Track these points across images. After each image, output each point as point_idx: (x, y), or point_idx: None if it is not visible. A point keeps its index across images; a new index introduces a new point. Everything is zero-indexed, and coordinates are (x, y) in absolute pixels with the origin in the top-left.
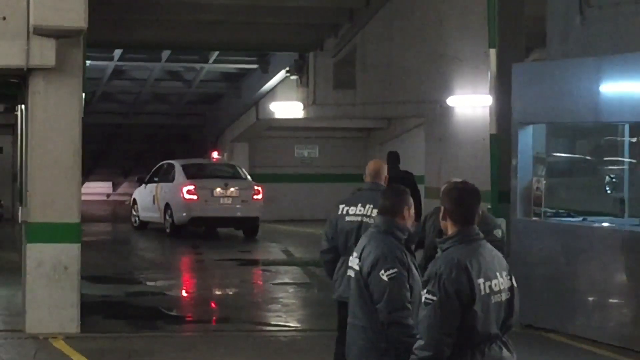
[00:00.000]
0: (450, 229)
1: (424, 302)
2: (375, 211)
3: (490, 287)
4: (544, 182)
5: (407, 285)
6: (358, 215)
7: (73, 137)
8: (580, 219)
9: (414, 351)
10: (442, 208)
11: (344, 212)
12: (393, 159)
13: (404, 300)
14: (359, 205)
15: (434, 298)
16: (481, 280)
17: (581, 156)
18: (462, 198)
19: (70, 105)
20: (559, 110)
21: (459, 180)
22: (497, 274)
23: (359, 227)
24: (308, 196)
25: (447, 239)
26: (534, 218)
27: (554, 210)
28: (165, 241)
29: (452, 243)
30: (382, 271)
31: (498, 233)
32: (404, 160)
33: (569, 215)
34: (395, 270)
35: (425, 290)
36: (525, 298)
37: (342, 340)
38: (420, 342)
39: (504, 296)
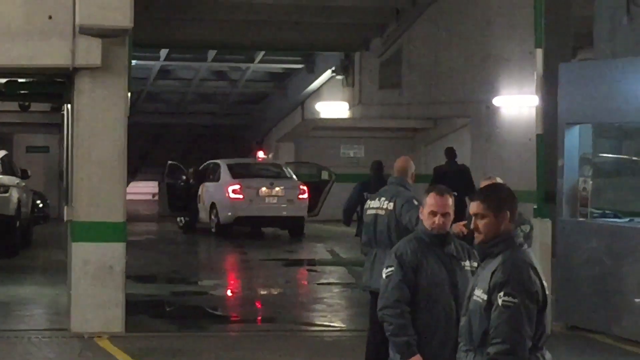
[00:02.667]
0: (502, 229)
1: (503, 305)
2: (388, 204)
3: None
4: (590, 182)
5: (402, 285)
6: (374, 208)
7: (118, 136)
8: (627, 219)
9: (496, 357)
10: (509, 209)
11: (367, 206)
12: (450, 154)
13: (392, 299)
14: (377, 199)
15: (515, 300)
16: (544, 283)
17: (628, 157)
18: (515, 198)
19: (115, 105)
20: (606, 111)
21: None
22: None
23: (375, 219)
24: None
25: (505, 239)
26: (580, 219)
27: (601, 211)
28: (210, 241)
29: (510, 244)
30: (384, 269)
31: (526, 228)
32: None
33: (615, 216)
34: (392, 269)
35: (502, 293)
36: (571, 299)
37: (374, 335)
38: (503, 347)
39: None
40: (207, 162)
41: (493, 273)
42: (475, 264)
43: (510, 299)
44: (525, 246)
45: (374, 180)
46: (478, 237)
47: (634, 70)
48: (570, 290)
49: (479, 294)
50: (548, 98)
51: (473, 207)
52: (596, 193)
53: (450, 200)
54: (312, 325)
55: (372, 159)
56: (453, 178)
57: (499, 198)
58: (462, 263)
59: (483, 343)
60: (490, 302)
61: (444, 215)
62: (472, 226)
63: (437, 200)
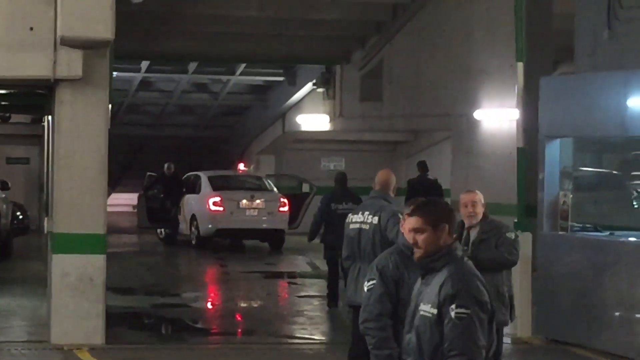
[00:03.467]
0: (441, 243)
1: (456, 317)
2: (372, 218)
3: None
4: (571, 196)
5: (384, 298)
6: (357, 222)
7: (99, 148)
8: (607, 233)
9: None
10: (447, 223)
11: (349, 220)
12: (422, 167)
13: (374, 312)
14: (360, 212)
15: (468, 311)
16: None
17: (608, 170)
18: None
19: (96, 117)
20: (587, 124)
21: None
22: None
23: (359, 234)
24: None
25: (446, 253)
26: (561, 232)
27: (581, 225)
28: (190, 253)
29: (452, 257)
30: (365, 282)
31: (511, 235)
32: (431, 173)
33: (595, 230)
34: (373, 282)
35: (454, 305)
36: (551, 312)
37: (355, 348)
38: (461, 359)
39: None
40: (188, 173)
41: (441, 286)
42: None
43: (463, 310)
44: (466, 258)
45: (339, 192)
46: (418, 252)
47: (614, 84)
48: (550, 304)
49: (427, 309)
50: (529, 111)
51: (412, 222)
52: (576, 207)
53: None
54: (293, 338)
55: (353, 171)
56: (425, 190)
57: (437, 212)
58: None
59: (434, 358)
60: (440, 316)
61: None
62: (411, 241)
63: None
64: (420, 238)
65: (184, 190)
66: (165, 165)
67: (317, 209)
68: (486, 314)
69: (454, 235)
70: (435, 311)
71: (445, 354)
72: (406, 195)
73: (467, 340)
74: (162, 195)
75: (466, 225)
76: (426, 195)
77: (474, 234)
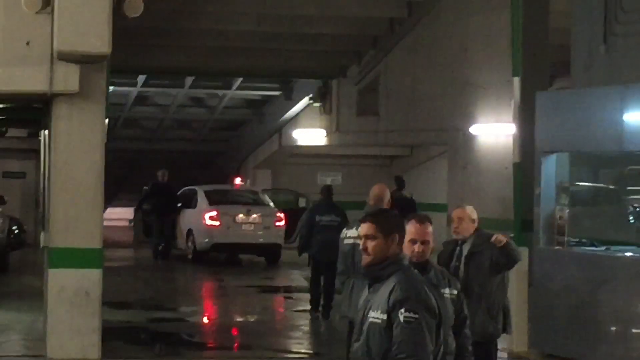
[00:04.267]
0: (390, 252)
1: (405, 320)
2: None
3: None
4: (567, 211)
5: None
6: (351, 237)
7: (96, 162)
8: (603, 248)
9: None
10: (398, 233)
11: (344, 236)
12: (399, 182)
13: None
14: (354, 227)
15: (416, 316)
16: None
17: (604, 185)
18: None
19: (93, 131)
20: (583, 139)
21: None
22: None
23: (353, 249)
24: None
25: (394, 262)
26: (557, 247)
27: (577, 240)
28: (187, 267)
29: (395, 268)
30: None
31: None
32: (427, 187)
33: (591, 245)
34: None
35: (403, 310)
36: (547, 326)
37: None
38: None
39: None
40: (184, 188)
41: (391, 292)
42: (455, 292)
43: (411, 314)
44: (412, 267)
45: (324, 204)
46: (366, 259)
47: (611, 99)
48: (547, 318)
49: (377, 315)
50: (525, 126)
51: (364, 228)
52: (573, 221)
53: (430, 228)
54: (289, 352)
55: (349, 186)
56: (399, 205)
57: (390, 222)
58: (442, 290)
59: None
60: (390, 321)
61: (424, 243)
62: (361, 247)
63: (417, 229)
64: (371, 245)
65: (179, 204)
66: (160, 172)
67: (302, 222)
68: (434, 319)
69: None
70: (384, 317)
71: (393, 357)
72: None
73: (415, 343)
74: (151, 206)
75: (459, 241)
76: (400, 210)
77: (466, 249)
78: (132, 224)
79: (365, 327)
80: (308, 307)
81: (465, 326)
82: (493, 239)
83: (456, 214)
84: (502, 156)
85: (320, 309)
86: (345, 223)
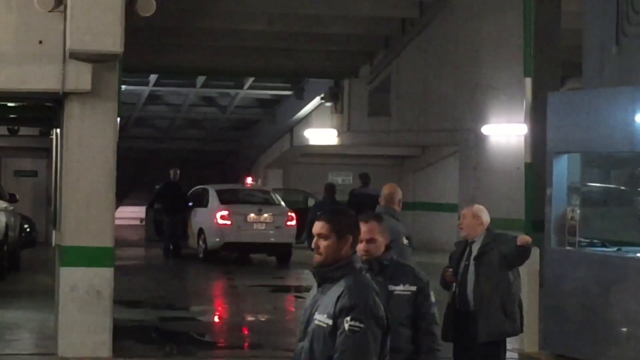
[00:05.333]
0: (342, 253)
1: (350, 329)
2: None
3: None
4: (579, 211)
5: None
6: None
7: (107, 161)
8: (615, 249)
9: None
10: (352, 235)
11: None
12: (364, 179)
13: None
14: None
15: (362, 325)
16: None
17: (616, 186)
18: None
19: (105, 130)
20: (594, 140)
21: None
22: None
23: None
24: None
25: (346, 264)
26: (568, 247)
27: (588, 240)
28: (198, 266)
29: (346, 271)
30: None
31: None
32: (438, 187)
33: (603, 245)
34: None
35: (349, 318)
36: (558, 327)
37: None
38: None
39: None
40: (196, 187)
41: (339, 298)
42: (414, 288)
43: (357, 323)
44: (364, 271)
45: (327, 202)
46: (317, 258)
47: (622, 99)
48: (558, 319)
49: (323, 319)
50: (536, 127)
51: (317, 226)
52: (584, 222)
53: (378, 226)
54: None
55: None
56: (366, 201)
57: (344, 222)
58: (393, 287)
59: None
60: (335, 327)
61: (369, 241)
62: (313, 245)
63: (362, 227)
64: (323, 244)
65: (190, 203)
66: (171, 171)
67: (308, 219)
68: (381, 329)
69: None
70: (330, 322)
71: None
72: (346, 204)
73: (358, 353)
74: (162, 205)
75: (469, 241)
76: (358, 207)
77: (475, 248)
78: (144, 222)
79: (310, 329)
80: None
81: (426, 322)
82: (520, 241)
83: (463, 211)
84: (513, 157)
85: None
86: None
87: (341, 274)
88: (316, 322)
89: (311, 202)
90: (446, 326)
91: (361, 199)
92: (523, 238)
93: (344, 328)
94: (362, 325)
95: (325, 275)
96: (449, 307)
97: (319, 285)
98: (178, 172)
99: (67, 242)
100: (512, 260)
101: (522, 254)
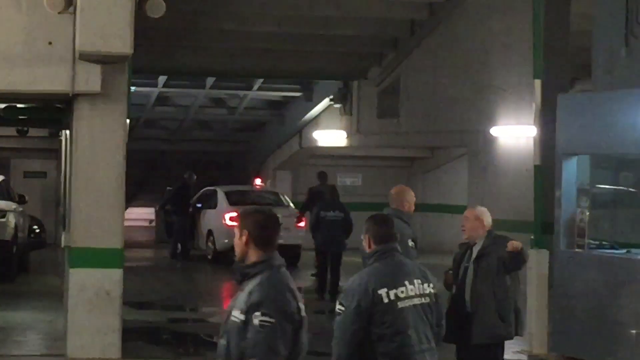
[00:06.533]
0: (250, 249)
1: (259, 324)
2: None
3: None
4: (588, 213)
5: None
6: None
7: (117, 162)
8: (624, 251)
9: None
10: (248, 231)
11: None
12: (322, 177)
13: None
14: None
15: (272, 320)
16: (301, 304)
17: (625, 188)
18: (266, 223)
19: (114, 131)
20: (604, 142)
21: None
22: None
23: None
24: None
25: (263, 261)
26: (577, 250)
27: (598, 242)
28: (207, 268)
29: (262, 268)
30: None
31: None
32: (447, 189)
33: (612, 247)
34: None
35: (259, 313)
36: (567, 329)
37: None
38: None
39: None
40: (204, 188)
41: (250, 293)
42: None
43: (266, 318)
44: (284, 268)
45: (329, 201)
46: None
47: (631, 101)
48: (567, 321)
49: (237, 315)
50: (546, 128)
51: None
52: (593, 224)
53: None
54: (309, 354)
55: (369, 187)
56: (323, 198)
57: (244, 219)
58: None
59: None
60: (246, 322)
61: None
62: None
63: None
64: (234, 240)
65: (199, 205)
66: (187, 174)
67: (311, 217)
68: (291, 324)
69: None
70: (242, 317)
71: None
72: (304, 202)
73: (267, 348)
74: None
75: (471, 243)
76: (314, 204)
77: (475, 250)
78: (154, 224)
79: (227, 325)
80: (328, 309)
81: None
82: (509, 247)
83: (465, 213)
84: (522, 158)
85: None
86: (347, 219)
87: (258, 271)
88: (232, 318)
89: None
90: (447, 328)
91: (319, 196)
92: (512, 244)
93: (254, 323)
94: (271, 320)
95: (243, 272)
96: (449, 308)
97: (240, 282)
98: (194, 176)
99: (76, 243)
100: (508, 265)
101: (515, 259)
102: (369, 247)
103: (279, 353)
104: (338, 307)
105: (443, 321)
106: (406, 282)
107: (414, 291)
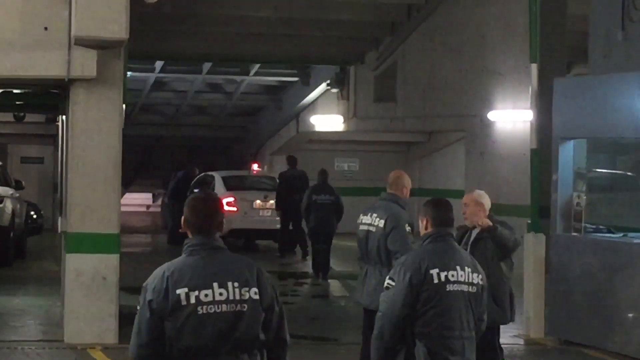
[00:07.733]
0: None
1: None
2: (379, 221)
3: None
4: (584, 197)
5: None
6: (366, 224)
7: (113, 148)
8: (620, 234)
9: None
10: (184, 216)
11: (359, 221)
12: (291, 161)
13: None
14: (369, 214)
15: (139, 305)
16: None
17: (622, 172)
18: (199, 207)
19: (110, 116)
20: (600, 126)
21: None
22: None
23: (367, 236)
24: (348, 209)
25: (185, 244)
26: (574, 233)
27: (594, 226)
28: None
29: (193, 250)
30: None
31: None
32: (444, 173)
33: (609, 231)
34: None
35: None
36: (564, 313)
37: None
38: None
39: None
40: (202, 174)
41: None
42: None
43: (139, 302)
44: (187, 254)
45: (320, 185)
46: None
47: (628, 85)
48: (564, 305)
49: None
50: (542, 113)
51: None
52: (590, 208)
53: None
54: (305, 339)
55: (366, 172)
56: (296, 182)
57: (185, 204)
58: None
59: None
60: None
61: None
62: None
63: None
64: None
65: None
66: (188, 167)
67: (303, 200)
68: (148, 312)
69: None
70: None
71: None
72: (277, 187)
73: (134, 331)
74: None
75: (470, 227)
76: (296, 188)
77: (474, 234)
78: (160, 210)
79: None
80: (325, 294)
81: None
82: (479, 222)
83: (464, 199)
84: (519, 142)
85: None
86: (338, 202)
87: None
88: None
89: None
90: None
91: (291, 180)
92: (482, 220)
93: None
94: (139, 305)
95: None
96: None
97: None
98: (197, 169)
99: (73, 228)
100: (500, 251)
101: (497, 243)
102: (425, 228)
103: (139, 337)
104: (388, 281)
105: (485, 315)
106: (457, 267)
107: (464, 277)
